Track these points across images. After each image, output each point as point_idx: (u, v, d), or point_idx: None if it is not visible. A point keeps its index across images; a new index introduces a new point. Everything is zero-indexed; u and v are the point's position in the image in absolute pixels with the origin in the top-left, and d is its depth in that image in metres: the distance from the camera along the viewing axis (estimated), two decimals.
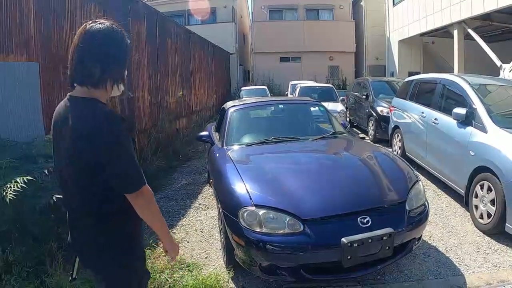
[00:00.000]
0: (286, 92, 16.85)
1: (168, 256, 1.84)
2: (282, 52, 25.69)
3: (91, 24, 1.58)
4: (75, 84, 1.59)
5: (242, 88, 17.81)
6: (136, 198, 1.55)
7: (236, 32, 24.66)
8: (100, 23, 1.59)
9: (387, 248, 2.80)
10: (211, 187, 5.57)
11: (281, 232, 2.80)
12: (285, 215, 2.84)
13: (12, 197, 2.74)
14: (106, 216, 1.59)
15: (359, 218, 2.83)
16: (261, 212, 2.88)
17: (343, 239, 2.67)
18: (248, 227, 2.85)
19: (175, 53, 10.22)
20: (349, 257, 2.70)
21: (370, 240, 2.72)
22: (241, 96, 15.40)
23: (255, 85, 21.07)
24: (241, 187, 3.15)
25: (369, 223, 2.81)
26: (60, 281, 2.95)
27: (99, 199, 1.57)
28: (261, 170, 3.59)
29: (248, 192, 3.06)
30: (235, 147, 4.33)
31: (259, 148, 4.27)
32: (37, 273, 3.02)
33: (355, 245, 2.68)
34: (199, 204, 5.38)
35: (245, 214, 2.90)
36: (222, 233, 3.50)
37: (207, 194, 5.79)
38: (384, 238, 2.75)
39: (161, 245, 3.86)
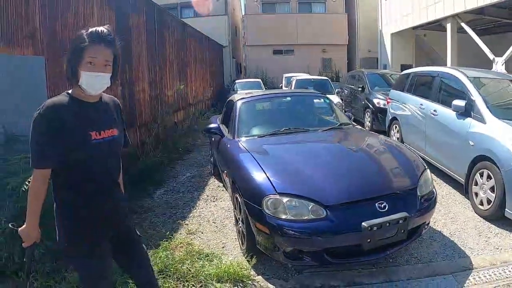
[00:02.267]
0: (281, 85, 16.97)
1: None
2: (275, 44, 25.90)
3: None
4: None
5: (236, 81, 17.91)
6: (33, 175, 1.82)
7: (229, 24, 24.64)
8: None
9: (402, 231, 3.01)
10: (221, 178, 5.68)
11: (305, 218, 2.97)
12: (308, 202, 3.01)
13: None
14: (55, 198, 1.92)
15: (376, 204, 3.02)
16: (285, 199, 3.04)
17: (364, 223, 2.86)
18: (272, 215, 3.01)
19: (172, 46, 10.25)
20: (369, 240, 2.90)
21: (388, 224, 2.91)
22: (235, 89, 15.54)
23: (248, 78, 21.19)
24: (262, 176, 3.31)
25: (386, 208, 3.00)
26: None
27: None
28: (279, 159, 3.76)
29: (270, 180, 3.22)
30: (248, 138, 4.47)
31: (272, 139, 4.41)
32: (53, 269, 3.02)
33: (375, 228, 2.87)
34: (207, 196, 5.47)
35: (269, 202, 3.06)
36: (240, 222, 3.65)
37: (214, 186, 5.90)
38: (400, 222, 2.96)
39: (178, 235, 4.06)
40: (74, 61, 1.80)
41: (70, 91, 1.89)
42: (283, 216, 2.99)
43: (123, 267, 2.28)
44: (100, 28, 1.81)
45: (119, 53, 1.93)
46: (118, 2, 6.35)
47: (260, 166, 3.46)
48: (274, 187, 3.15)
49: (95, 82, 1.82)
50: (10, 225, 1.95)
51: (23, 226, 1.88)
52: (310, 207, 2.99)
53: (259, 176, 3.34)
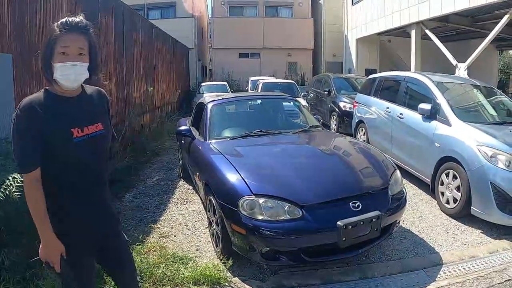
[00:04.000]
0: (246, 88, 17.03)
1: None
2: (241, 48, 26.00)
3: None
4: None
5: (202, 84, 17.85)
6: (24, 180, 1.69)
7: (196, 27, 24.50)
8: None
9: (375, 229, 3.09)
10: (190, 181, 5.62)
11: (281, 218, 2.99)
12: (284, 203, 3.03)
13: (19, 195, 2.60)
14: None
15: (350, 203, 3.09)
16: (261, 200, 3.05)
17: (339, 222, 2.91)
18: (248, 216, 3.01)
19: (140, 47, 10.09)
20: (344, 239, 2.95)
21: (362, 222, 2.98)
22: (201, 92, 15.52)
23: (214, 81, 21.16)
24: (237, 178, 3.30)
25: (360, 207, 3.08)
26: (54, 285, 2.78)
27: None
28: (253, 160, 3.77)
29: (245, 182, 3.21)
30: (220, 140, 4.43)
31: (244, 141, 4.41)
32: (25, 277, 2.84)
33: (350, 227, 2.93)
34: (177, 199, 5.41)
35: (245, 204, 3.06)
36: (214, 224, 3.62)
37: (183, 189, 5.84)
38: (373, 220, 3.04)
39: (151, 239, 3.98)
40: (47, 54, 1.67)
41: (48, 87, 1.76)
42: (260, 217, 3.00)
43: (109, 275, 2.18)
44: (71, 18, 1.68)
45: (95, 41, 1.77)
46: (87, 1, 6.19)
47: (235, 168, 3.45)
48: (249, 188, 3.15)
49: (69, 73, 1.66)
50: (32, 260, 1.79)
51: (40, 246, 1.70)
52: (286, 208, 3.01)
53: (233, 178, 3.33)
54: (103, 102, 1.95)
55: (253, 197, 3.07)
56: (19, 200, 2.64)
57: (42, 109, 1.65)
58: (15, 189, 2.65)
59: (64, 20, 1.68)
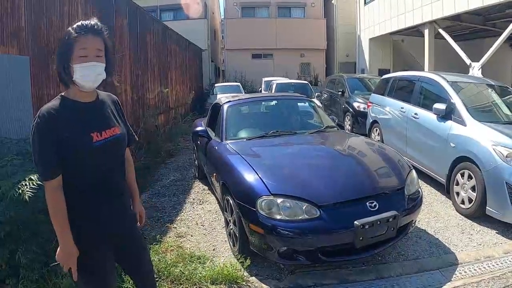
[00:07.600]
0: (260, 89, 17.06)
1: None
2: (254, 49, 26.03)
3: None
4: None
5: (216, 85, 17.94)
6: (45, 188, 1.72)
7: (209, 28, 24.63)
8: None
9: (392, 229, 3.12)
10: (206, 182, 5.70)
11: (299, 218, 3.03)
12: (302, 202, 3.08)
13: (31, 195, 2.64)
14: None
15: (367, 203, 3.13)
16: (279, 200, 3.10)
17: (356, 222, 2.95)
18: (266, 215, 3.07)
19: (154, 49, 10.20)
20: (361, 238, 2.99)
21: (378, 222, 3.02)
22: (214, 93, 15.61)
23: (227, 82, 21.23)
24: (255, 178, 3.35)
25: (377, 207, 3.11)
26: (73, 283, 2.73)
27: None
28: (270, 161, 3.82)
29: (263, 182, 3.27)
30: (236, 141, 4.49)
31: (260, 141, 4.46)
32: (43, 275, 2.87)
33: (367, 227, 2.96)
34: (193, 199, 5.47)
35: (263, 203, 3.11)
36: (231, 224, 3.67)
37: (199, 189, 5.90)
38: (390, 220, 3.07)
39: (167, 238, 4.06)
40: (65, 57, 1.71)
41: (64, 94, 1.80)
42: (278, 217, 3.05)
43: (127, 274, 2.24)
44: (85, 21, 1.73)
45: (110, 43, 1.84)
46: (102, 3, 6.31)
47: (252, 168, 3.50)
48: (268, 188, 3.20)
49: (89, 73, 1.71)
50: (51, 266, 1.81)
51: (58, 250, 1.74)
52: (304, 207, 3.06)
53: (251, 178, 3.38)
54: (116, 106, 2.02)
55: (271, 197, 3.13)
56: (31, 201, 2.67)
57: (61, 116, 1.70)
58: (28, 189, 2.68)
59: (80, 23, 1.72)
